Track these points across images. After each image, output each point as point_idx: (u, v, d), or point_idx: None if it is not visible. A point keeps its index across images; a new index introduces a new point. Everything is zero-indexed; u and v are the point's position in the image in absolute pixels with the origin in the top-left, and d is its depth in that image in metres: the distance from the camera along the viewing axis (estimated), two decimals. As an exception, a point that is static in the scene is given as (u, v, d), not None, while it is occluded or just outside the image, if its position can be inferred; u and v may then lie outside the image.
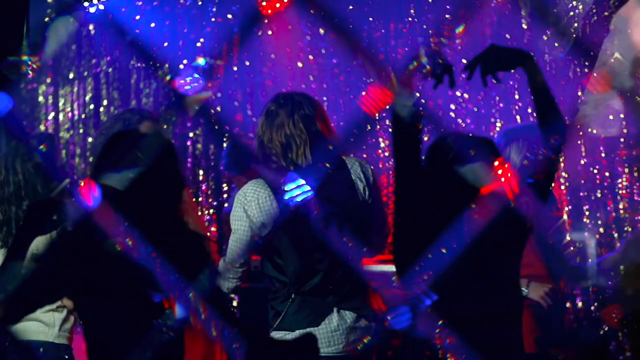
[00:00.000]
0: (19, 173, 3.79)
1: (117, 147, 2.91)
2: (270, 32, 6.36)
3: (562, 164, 6.19)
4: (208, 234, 6.51)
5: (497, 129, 6.30)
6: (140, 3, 6.35)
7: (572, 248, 5.84)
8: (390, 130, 3.06)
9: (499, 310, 3.15)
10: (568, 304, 5.96)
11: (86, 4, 5.68)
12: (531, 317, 4.23)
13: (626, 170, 6.11)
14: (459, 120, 6.30)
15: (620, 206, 6.09)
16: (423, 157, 3.27)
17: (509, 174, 3.09)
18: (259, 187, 3.66)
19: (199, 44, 6.41)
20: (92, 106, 6.42)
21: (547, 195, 3.22)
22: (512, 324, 3.20)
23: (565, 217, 6.11)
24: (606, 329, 5.25)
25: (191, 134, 6.53)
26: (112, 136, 3.08)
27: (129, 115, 3.98)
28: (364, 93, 5.98)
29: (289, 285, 3.62)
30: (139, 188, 2.84)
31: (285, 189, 3.60)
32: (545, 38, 6.24)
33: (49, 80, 6.42)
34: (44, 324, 3.73)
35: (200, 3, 6.47)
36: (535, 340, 4.23)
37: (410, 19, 6.41)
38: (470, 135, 3.41)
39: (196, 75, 4.14)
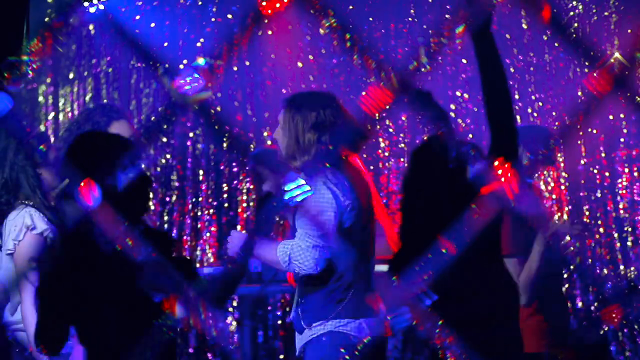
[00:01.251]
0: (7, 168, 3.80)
1: (108, 150, 2.91)
2: (270, 32, 6.36)
3: (562, 164, 6.21)
4: (208, 235, 6.51)
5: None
6: (140, 3, 6.36)
7: (571, 248, 5.84)
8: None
9: (493, 310, 3.15)
10: (568, 304, 5.97)
11: (86, 4, 5.68)
12: (544, 323, 4.23)
13: (626, 170, 6.12)
14: (459, 120, 6.30)
15: (620, 206, 6.10)
16: (420, 159, 3.28)
17: (509, 174, 3.09)
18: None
19: (199, 44, 6.41)
20: (92, 106, 6.42)
21: None
22: (507, 323, 3.21)
23: (565, 217, 6.12)
24: (606, 329, 5.26)
25: (191, 134, 6.53)
26: (102, 137, 3.08)
27: (98, 118, 3.98)
28: (364, 93, 5.99)
29: (351, 273, 3.63)
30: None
31: (286, 188, 3.60)
32: (545, 38, 6.25)
33: (49, 80, 6.42)
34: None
35: (200, 3, 6.47)
36: (545, 345, 4.24)
37: (410, 19, 6.41)
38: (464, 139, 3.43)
39: (196, 75, 4.13)
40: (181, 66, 6.14)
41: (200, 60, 4.54)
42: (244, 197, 6.49)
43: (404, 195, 3.35)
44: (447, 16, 5.95)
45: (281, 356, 6.26)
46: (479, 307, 3.12)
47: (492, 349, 3.07)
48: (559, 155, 6.14)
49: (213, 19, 6.45)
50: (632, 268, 5.98)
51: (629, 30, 6.04)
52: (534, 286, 4.02)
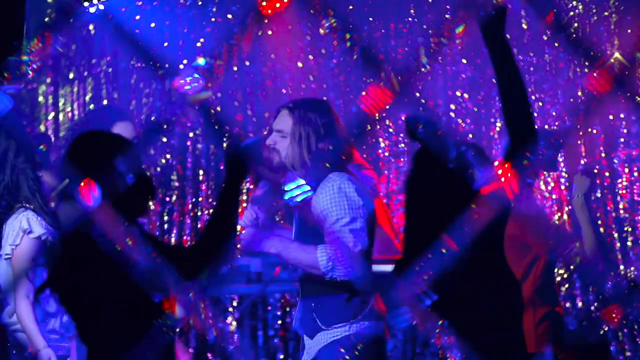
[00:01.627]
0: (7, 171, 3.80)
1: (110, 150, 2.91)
2: (270, 32, 6.36)
3: (562, 164, 6.21)
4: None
5: (497, 129, 6.31)
6: (140, 3, 6.35)
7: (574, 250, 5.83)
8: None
9: (494, 311, 3.15)
10: (568, 304, 5.97)
11: (86, 4, 5.67)
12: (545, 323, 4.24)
13: (626, 170, 6.12)
14: (459, 120, 6.31)
15: (620, 206, 6.10)
16: (420, 159, 3.28)
17: (509, 174, 3.09)
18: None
19: (199, 44, 6.41)
20: (92, 106, 6.42)
21: None
22: (509, 324, 3.20)
23: (565, 217, 6.12)
24: (606, 329, 5.26)
25: (191, 134, 6.53)
26: (102, 137, 3.08)
27: (102, 119, 3.98)
28: (364, 93, 5.99)
29: (369, 275, 3.64)
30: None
31: (286, 188, 3.60)
32: (545, 38, 6.25)
33: (49, 80, 6.42)
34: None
35: (200, 3, 6.47)
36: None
37: (410, 19, 6.41)
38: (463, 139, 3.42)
39: (196, 75, 4.14)
40: (181, 66, 6.14)
41: (200, 60, 4.54)
42: (244, 197, 6.49)
43: (406, 197, 3.35)
44: (447, 16, 5.95)
45: (281, 356, 6.26)
46: (478, 309, 3.12)
47: (492, 349, 3.06)
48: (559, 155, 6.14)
49: (213, 19, 6.45)
50: (632, 268, 5.98)
51: (629, 30, 6.04)
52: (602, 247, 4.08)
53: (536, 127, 3.16)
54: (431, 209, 3.19)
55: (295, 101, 3.83)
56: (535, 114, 6.25)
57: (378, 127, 6.32)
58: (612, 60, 4.29)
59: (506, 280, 3.27)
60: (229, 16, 6.39)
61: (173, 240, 6.41)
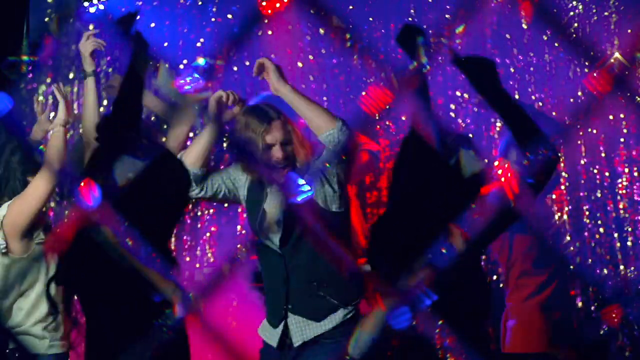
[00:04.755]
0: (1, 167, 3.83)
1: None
2: (270, 32, 6.36)
3: (562, 164, 6.21)
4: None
5: (497, 129, 6.31)
6: (140, 3, 6.36)
7: (571, 248, 5.84)
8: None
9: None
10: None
11: (86, 4, 5.68)
12: (542, 316, 4.25)
13: (626, 170, 6.11)
14: (459, 120, 6.30)
15: (620, 206, 6.10)
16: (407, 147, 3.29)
17: (509, 174, 3.09)
18: None
19: (199, 44, 6.41)
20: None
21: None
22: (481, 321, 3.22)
23: (565, 217, 6.12)
24: (606, 329, 5.26)
25: (191, 134, 6.51)
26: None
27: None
28: (364, 93, 5.99)
29: None
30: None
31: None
32: (545, 38, 6.25)
33: (49, 80, 6.42)
34: (34, 337, 3.74)
35: (200, 3, 6.47)
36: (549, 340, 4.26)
37: (410, 19, 6.41)
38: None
39: (196, 75, 4.14)
40: (181, 66, 6.14)
41: (200, 60, 4.54)
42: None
43: (391, 185, 3.35)
44: (447, 16, 5.95)
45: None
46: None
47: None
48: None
49: (213, 19, 6.45)
50: (632, 268, 5.98)
51: (629, 30, 6.04)
52: None
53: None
54: (415, 199, 3.18)
55: (273, 108, 3.89)
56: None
57: (378, 127, 6.32)
58: (612, 60, 4.29)
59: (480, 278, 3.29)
60: (229, 16, 6.39)
61: (173, 239, 6.40)
